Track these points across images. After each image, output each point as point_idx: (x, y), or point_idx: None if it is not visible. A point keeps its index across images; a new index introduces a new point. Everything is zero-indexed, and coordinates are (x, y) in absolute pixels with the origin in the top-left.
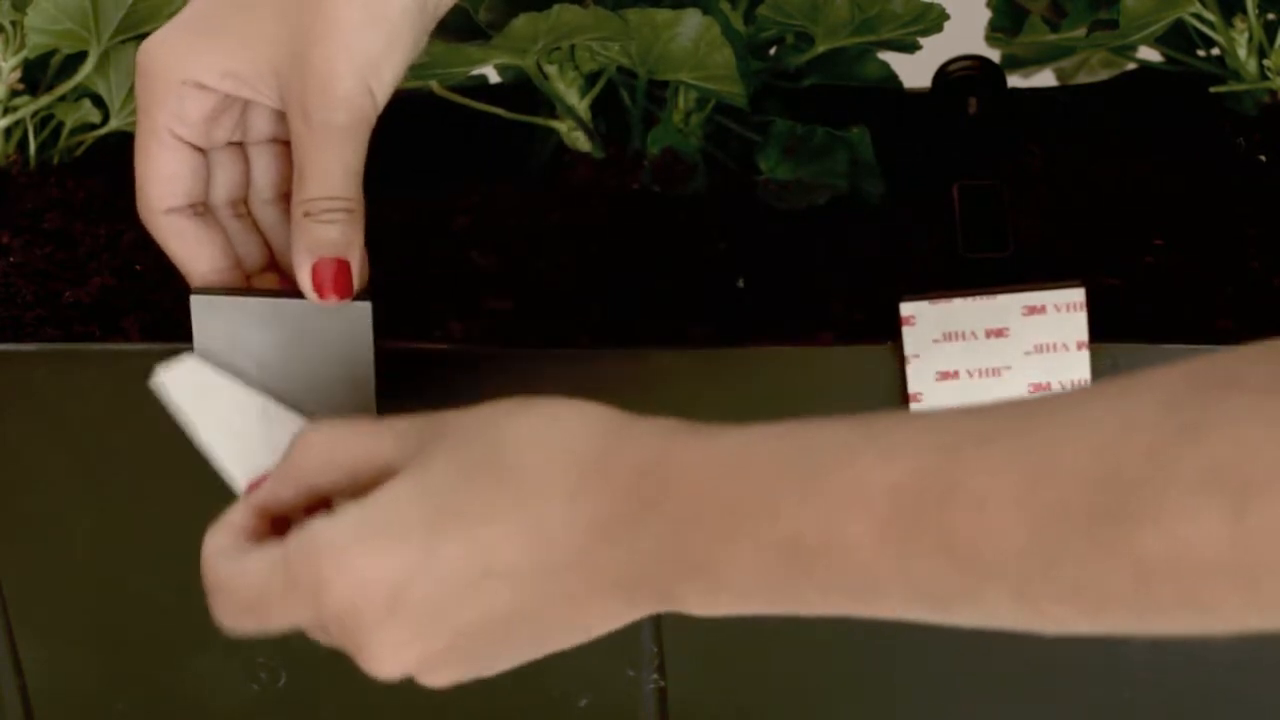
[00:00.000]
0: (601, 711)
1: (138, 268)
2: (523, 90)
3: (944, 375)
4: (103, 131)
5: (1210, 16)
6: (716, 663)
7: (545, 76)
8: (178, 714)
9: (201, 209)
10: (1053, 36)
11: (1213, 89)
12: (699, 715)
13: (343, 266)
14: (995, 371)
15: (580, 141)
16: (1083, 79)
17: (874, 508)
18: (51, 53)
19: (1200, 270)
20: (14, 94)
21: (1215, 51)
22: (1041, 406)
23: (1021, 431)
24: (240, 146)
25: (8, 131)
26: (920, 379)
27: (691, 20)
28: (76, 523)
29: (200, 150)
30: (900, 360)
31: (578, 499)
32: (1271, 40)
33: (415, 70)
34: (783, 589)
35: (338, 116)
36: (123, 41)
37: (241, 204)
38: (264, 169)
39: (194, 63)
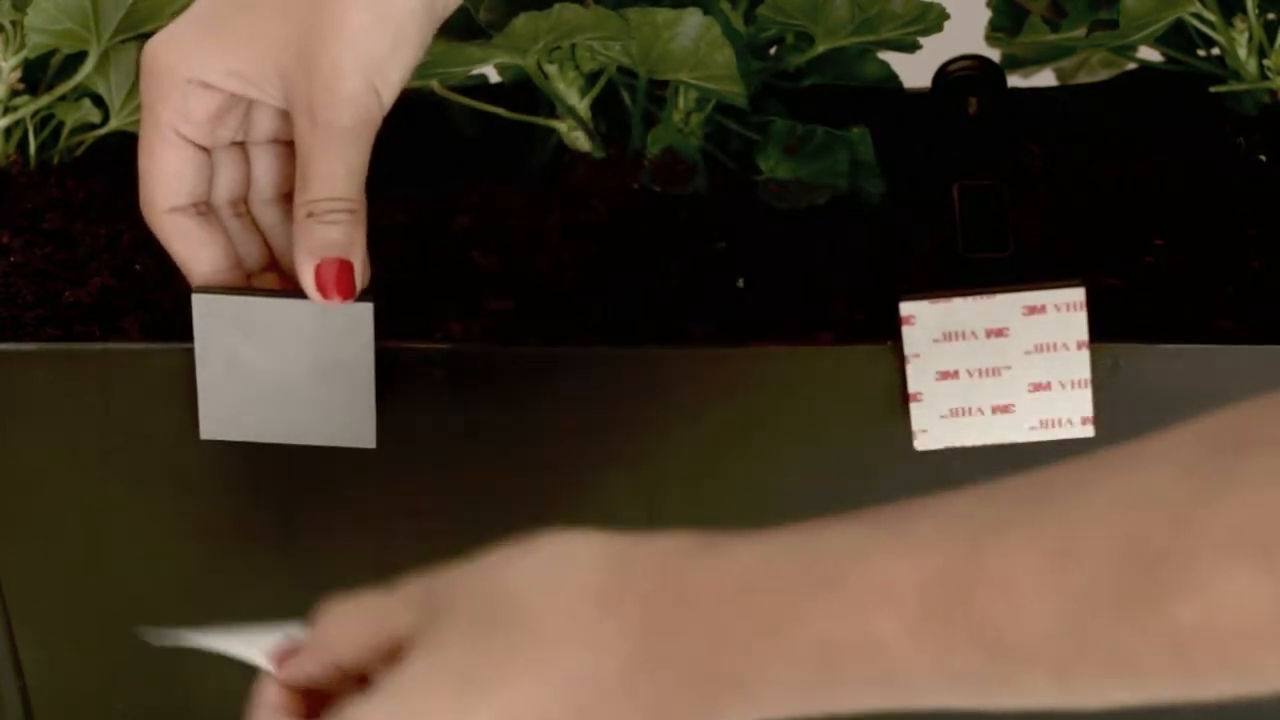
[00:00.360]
0: None
1: (138, 268)
2: (523, 90)
3: (944, 375)
4: (103, 131)
5: (1210, 16)
6: None
7: (545, 76)
8: (177, 714)
9: (204, 208)
10: (1053, 36)
11: (1213, 89)
12: None
13: (345, 267)
14: (995, 371)
15: (580, 141)
16: (1083, 79)
17: (902, 605)
18: (52, 52)
19: (1200, 270)
20: (14, 94)
21: (1215, 51)
22: (1056, 484)
23: (1039, 516)
24: (242, 146)
25: (8, 131)
26: (920, 379)
27: (692, 20)
28: (76, 523)
29: (204, 149)
30: (900, 360)
31: (596, 637)
32: (1271, 40)
33: (416, 70)
34: (816, 690)
35: (343, 117)
36: (123, 41)
37: (242, 203)
38: (265, 169)
39: (199, 61)
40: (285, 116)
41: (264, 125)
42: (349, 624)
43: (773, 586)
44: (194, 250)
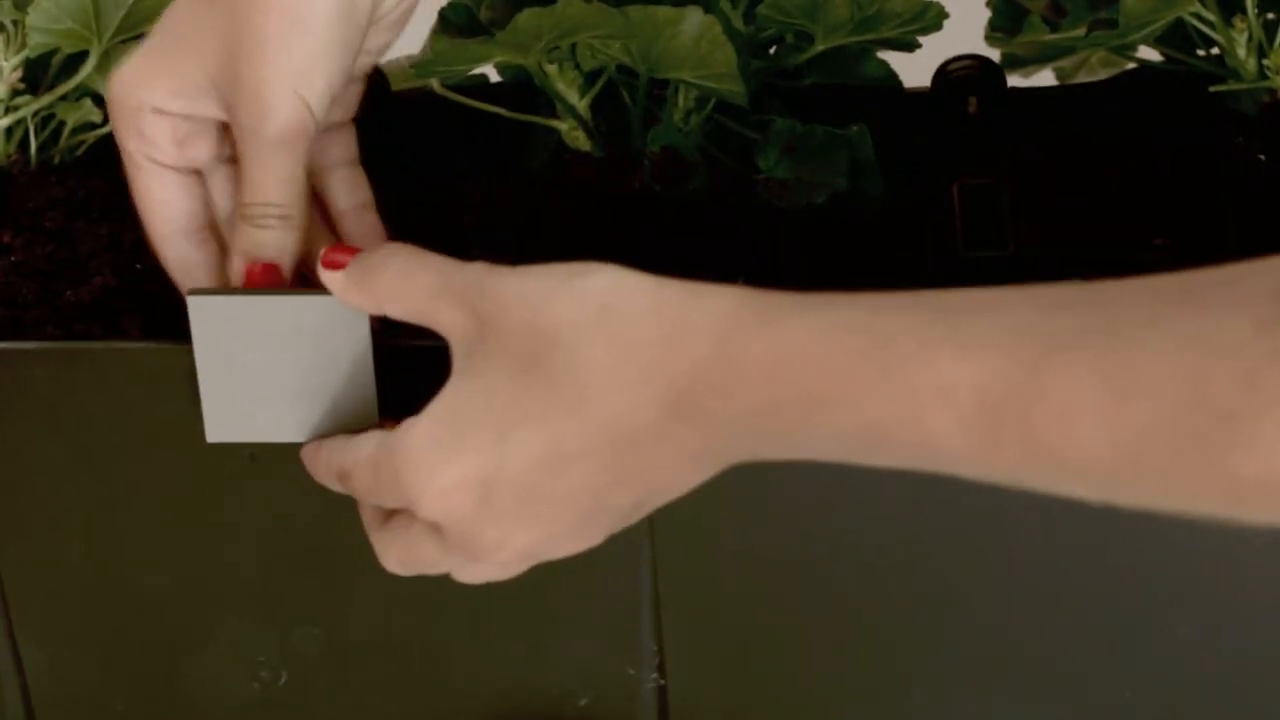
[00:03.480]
0: (601, 710)
1: (138, 267)
2: (523, 89)
3: None
4: (104, 131)
5: (1210, 16)
6: (716, 662)
7: (545, 75)
8: (178, 714)
9: (206, 234)
10: (1052, 36)
11: (1212, 88)
12: (699, 714)
13: (271, 270)
14: None
15: (580, 140)
16: (1082, 78)
17: (957, 402)
18: (53, 52)
19: (1200, 269)
20: (15, 93)
21: (1215, 51)
22: (1122, 315)
23: (1104, 347)
24: (233, 162)
25: (9, 131)
26: None
27: (693, 19)
28: (76, 523)
29: (187, 172)
30: None
31: (642, 386)
32: (1271, 40)
33: (417, 69)
34: (859, 458)
35: (268, 127)
36: (124, 41)
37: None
38: (221, 190)
39: (147, 88)
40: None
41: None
42: (406, 286)
43: (828, 365)
44: (196, 276)
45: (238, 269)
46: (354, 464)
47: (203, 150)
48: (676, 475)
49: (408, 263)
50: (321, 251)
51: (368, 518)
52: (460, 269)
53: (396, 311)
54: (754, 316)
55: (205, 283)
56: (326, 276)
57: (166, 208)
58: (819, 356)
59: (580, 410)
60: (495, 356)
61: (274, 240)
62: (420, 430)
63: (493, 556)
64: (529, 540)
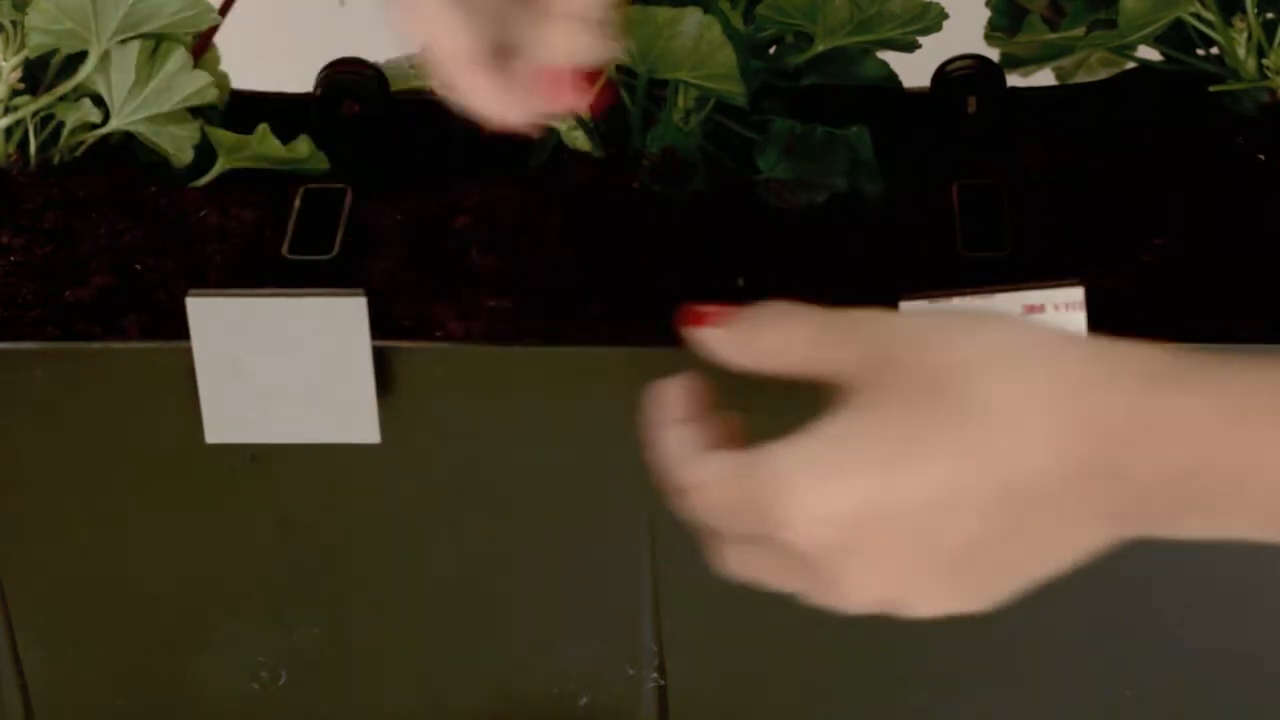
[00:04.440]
0: (602, 710)
1: (138, 268)
2: None
3: None
4: (103, 131)
5: (1209, 16)
6: (716, 662)
7: None
8: (178, 714)
9: (491, 59)
10: (1052, 36)
11: (1212, 88)
12: (699, 714)
13: (579, 74)
14: None
15: (580, 141)
16: (1082, 78)
17: None
18: (52, 52)
19: (1199, 269)
20: (14, 93)
21: (1214, 51)
22: None
23: None
24: None
25: (8, 131)
26: None
27: (692, 19)
28: (76, 523)
29: None
30: None
31: (1055, 436)
32: (1270, 39)
33: (418, 69)
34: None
35: None
36: (123, 41)
37: None
38: None
39: None
40: None
41: None
42: (789, 343)
43: (1263, 425)
44: (493, 103)
45: (542, 74)
46: (709, 478)
47: None
48: (1074, 536)
49: (788, 315)
50: (690, 312)
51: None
52: (840, 315)
53: (776, 366)
54: (1180, 371)
55: (502, 107)
56: (701, 334)
57: (460, 33)
58: (1250, 412)
59: (981, 452)
60: (893, 389)
61: (584, 40)
62: (798, 452)
63: (852, 596)
64: (895, 585)
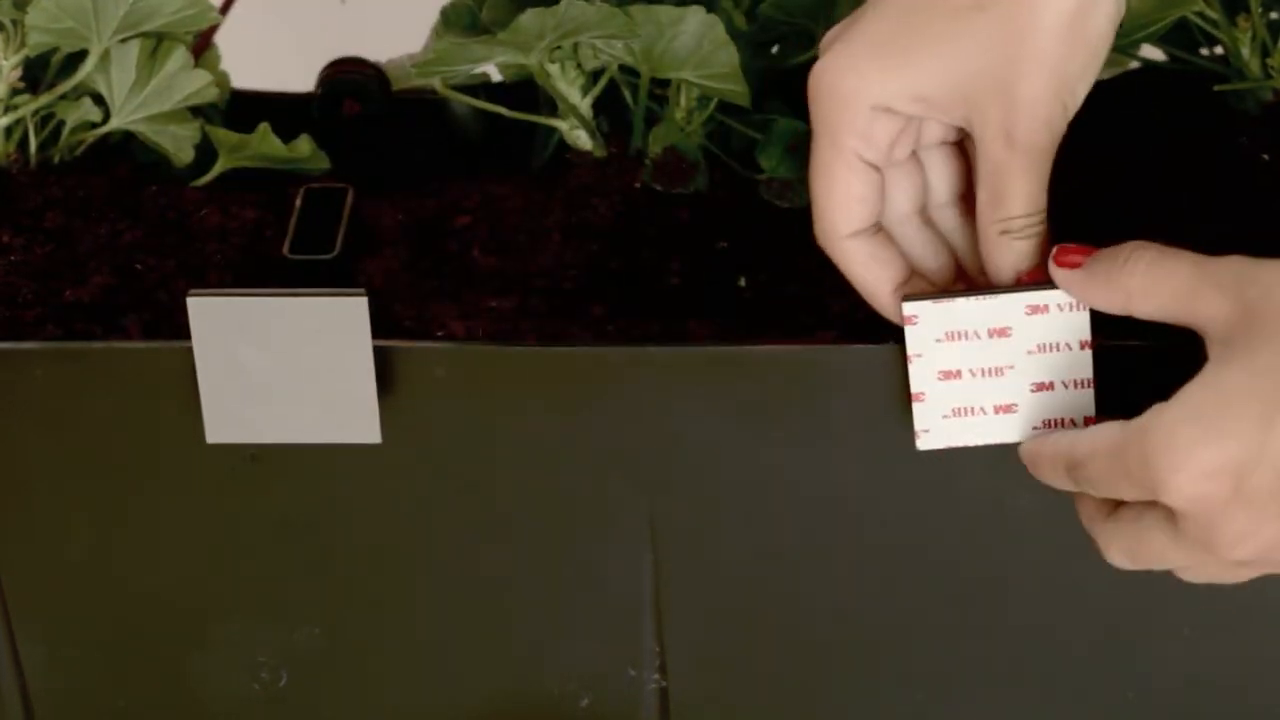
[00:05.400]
0: (603, 711)
1: (138, 267)
2: (525, 89)
3: (946, 375)
4: (103, 130)
5: (1214, 15)
6: (717, 663)
7: (547, 75)
8: (178, 714)
9: (877, 229)
10: None
11: (1216, 88)
12: (699, 715)
13: (1041, 273)
14: (998, 371)
15: (582, 140)
16: None
17: None
18: (52, 51)
19: None
20: (14, 92)
21: (1219, 50)
22: None
23: None
24: (914, 155)
25: (8, 130)
26: (922, 378)
27: (695, 18)
28: (76, 523)
29: (877, 170)
30: (903, 360)
31: None
32: (1275, 39)
33: (419, 69)
34: None
35: (1043, 139)
36: (123, 40)
37: (918, 215)
38: (939, 174)
39: (884, 88)
40: (952, 128)
41: (931, 135)
42: (1158, 282)
43: None
44: (877, 272)
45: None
46: (1089, 452)
47: (902, 150)
48: None
49: (1159, 258)
50: (1054, 250)
51: (1090, 511)
52: (1215, 261)
53: (1147, 309)
54: None
55: (890, 278)
56: (1062, 275)
57: (860, 206)
58: None
59: None
60: (1263, 341)
61: (1039, 250)
62: (1175, 413)
63: (1232, 552)
64: (1265, 542)
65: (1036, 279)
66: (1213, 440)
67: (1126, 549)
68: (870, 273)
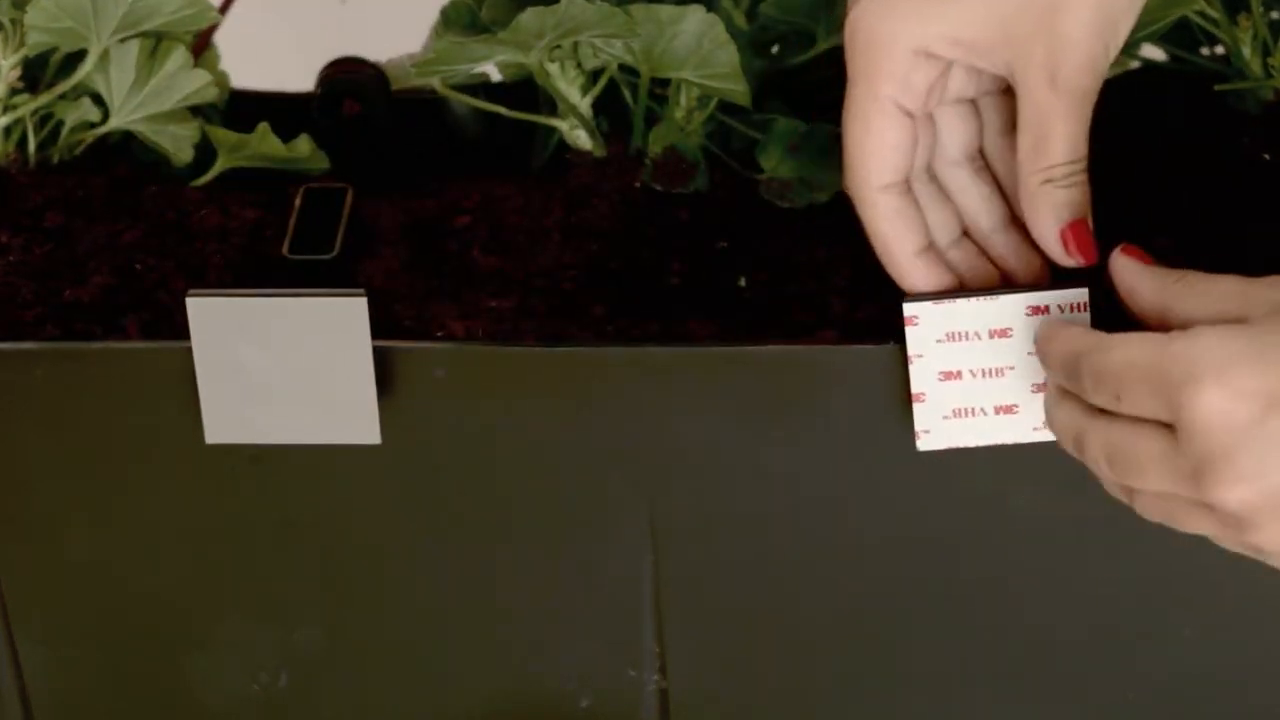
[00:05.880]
0: (603, 712)
1: (138, 267)
2: (524, 88)
3: (947, 375)
4: (102, 130)
5: (1214, 15)
6: (717, 663)
7: (547, 74)
8: (178, 714)
9: (906, 185)
10: None
11: (1217, 87)
12: (699, 715)
13: (1085, 228)
14: (999, 372)
15: (582, 140)
16: None
17: None
18: (51, 51)
19: (1204, 269)
20: (14, 92)
21: (1219, 50)
22: None
23: None
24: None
25: (7, 130)
26: (923, 379)
27: (695, 18)
28: (76, 523)
29: (912, 119)
30: (903, 360)
31: None
32: (1276, 38)
33: (418, 68)
34: None
35: (1086, 80)
36: (123, 39)
37: (928, 170)
38: (952, 130)
39: (924, 31)
40: (974, 78)
41: (954, 87)
42: (1207, 280)
43: None
44: (903, 230)
45: (1051, 234)
46: (1117, 345)
47: (936, 97)
48: None
49: (1211, 282)
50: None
51: (1072, 404)
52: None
53: (1190, 298)
54: None
55: (913, 239)
56: (1124, 265)
57: (896, 155)
58: None
59: None
60: None
61: (1084, 197)
62: (1230, 329)
63: (1222, 489)
64: (1269, 485)
65: (1078, 235)
66: (1261, 360)
67: (1108, 446)
68: (895, 229)
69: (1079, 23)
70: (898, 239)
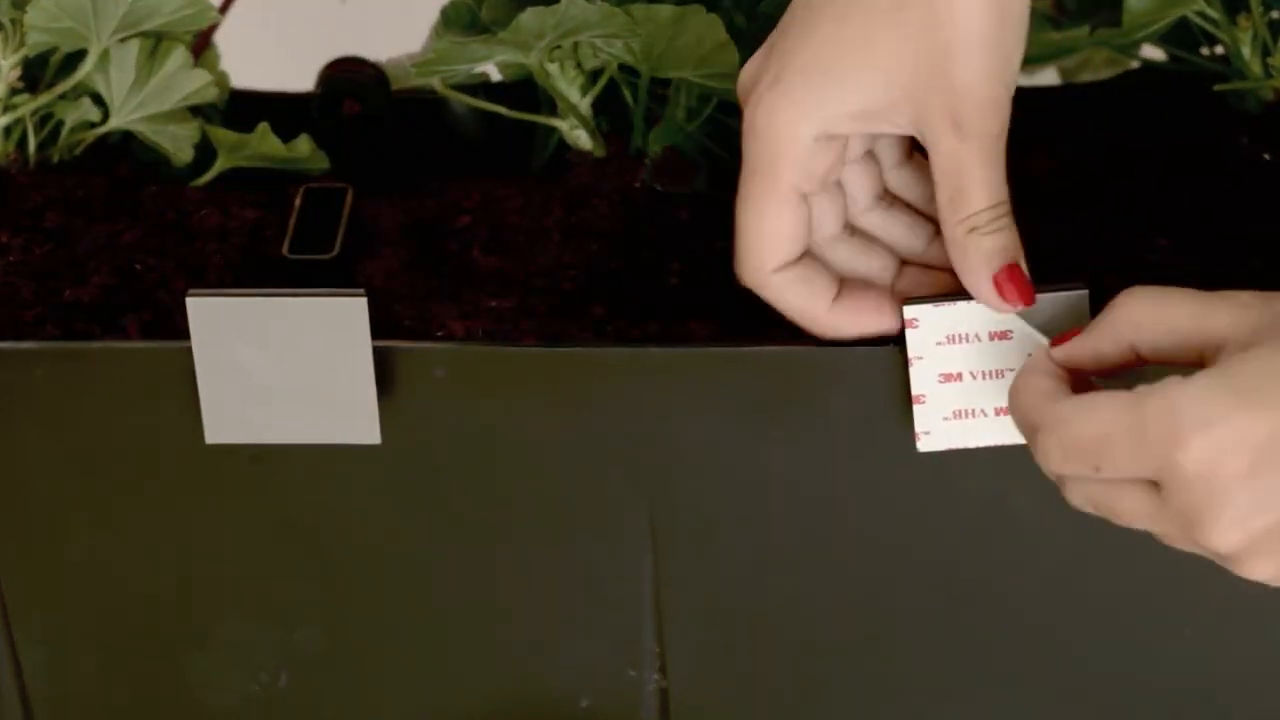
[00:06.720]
0: (603, 712)
1: (138, 267)
2: (524, 88)
3: (947, 377)
4: (102, 130)
5: (1214, 15)
6: (717, 663)
7: (547, 74)
8: (178, 714)
9: (801, 254)
10: (1056, 35)
11: (1216, 87)
12: (699, 715)
13: (1017, 271)
14: (999, 373)
15: (582, 140)
16: (1086, 77)
17: None
18: (51, 51)
19: (1204, 269)
20: (14, 92)
21: (1219, 50)
22: None
23: None
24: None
25: (7, 130)
26: (923, 381)
27: (696, 18)
28: (76, 523)
29: (807, 202)
30: (903, 362)
31: None
32: (1275, 38)
33: (418, 68)
34: None
35: (993, 125)
36: (123, 39)
37: (847, 227)
38: (859, 184)
39: (824, 115)
40: (869, 135)
41: (853, 151)
42: (1160, 310)
43: None
44: (808, 296)
45: (984, 282)
46: (1063, 421)
47: (837, 170)
48: None
49: (1153, 291)
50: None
51: (1041, 458)
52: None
53: (1156, 334)
54: None
55: (824, 298)
56: (1062, 348)
57: (793, 242)
58: None
59: None
60: None
61: (1011, 240)
62: (1198, 384)
63: (1222, 538)
64: (1261, 528)
65: (1013, 279)
66: (1247, 410)
67: (1090, 501)
68: (801, 299)
69: (972, 70)
70: (807, 305)
